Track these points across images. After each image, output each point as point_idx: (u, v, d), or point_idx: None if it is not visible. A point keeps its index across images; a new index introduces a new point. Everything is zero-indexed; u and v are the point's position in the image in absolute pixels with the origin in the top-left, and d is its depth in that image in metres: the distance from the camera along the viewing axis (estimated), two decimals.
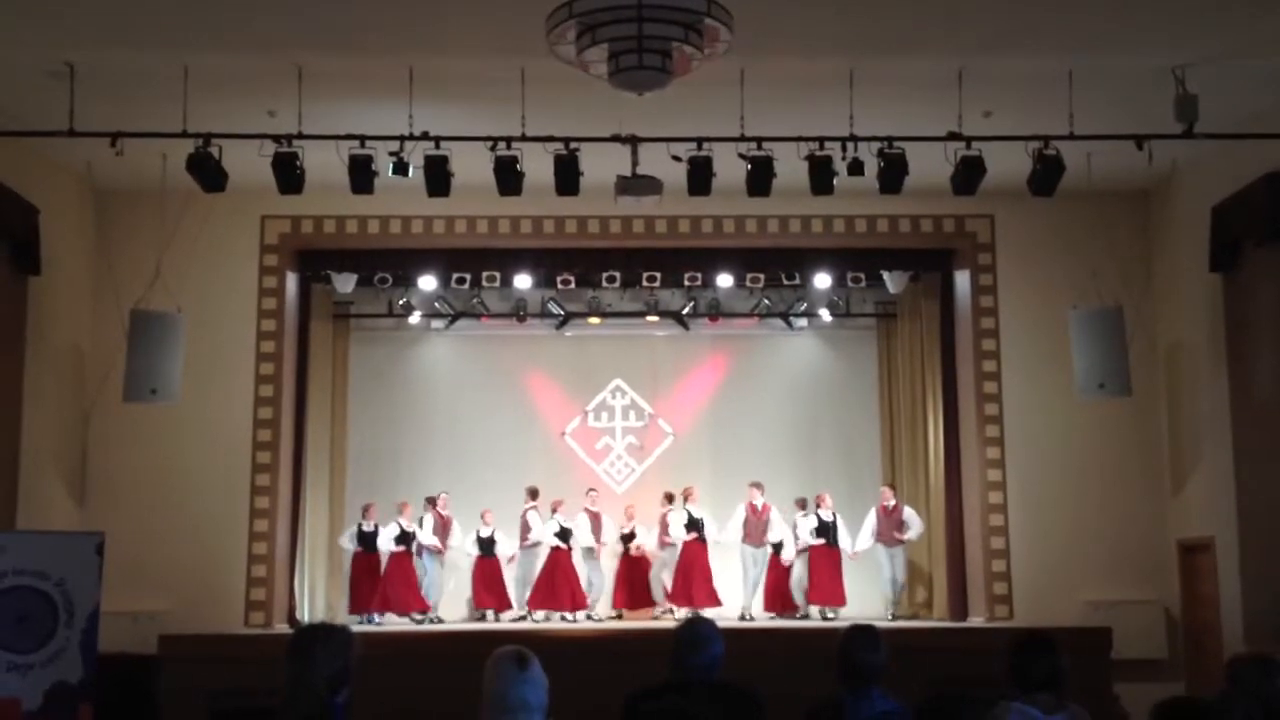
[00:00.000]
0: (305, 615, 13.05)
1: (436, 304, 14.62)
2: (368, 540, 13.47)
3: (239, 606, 12.12)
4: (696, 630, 4.54)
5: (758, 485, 13.74)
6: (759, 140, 9.91)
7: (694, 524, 13.61)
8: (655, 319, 14.93)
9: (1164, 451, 12.59)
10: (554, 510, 13.74)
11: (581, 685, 5.48)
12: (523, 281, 13.82)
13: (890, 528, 13.58)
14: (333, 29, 8.99)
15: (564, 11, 7.72)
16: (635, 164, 10.18)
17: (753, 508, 13.69)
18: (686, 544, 13.55)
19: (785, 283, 14.37)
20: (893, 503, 13.72)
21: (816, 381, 15.19)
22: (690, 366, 15.30)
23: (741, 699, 4.33)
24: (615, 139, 9.99)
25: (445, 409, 14.88)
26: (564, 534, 13.61)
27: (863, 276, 14.05)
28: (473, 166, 10.01)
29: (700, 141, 9.97)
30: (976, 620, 12.58)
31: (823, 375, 15.23)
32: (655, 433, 15.18)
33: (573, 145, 9.90)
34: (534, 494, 13.89)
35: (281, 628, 12.05)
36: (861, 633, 4.55)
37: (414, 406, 14.85)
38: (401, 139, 9.83)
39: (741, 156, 9.97)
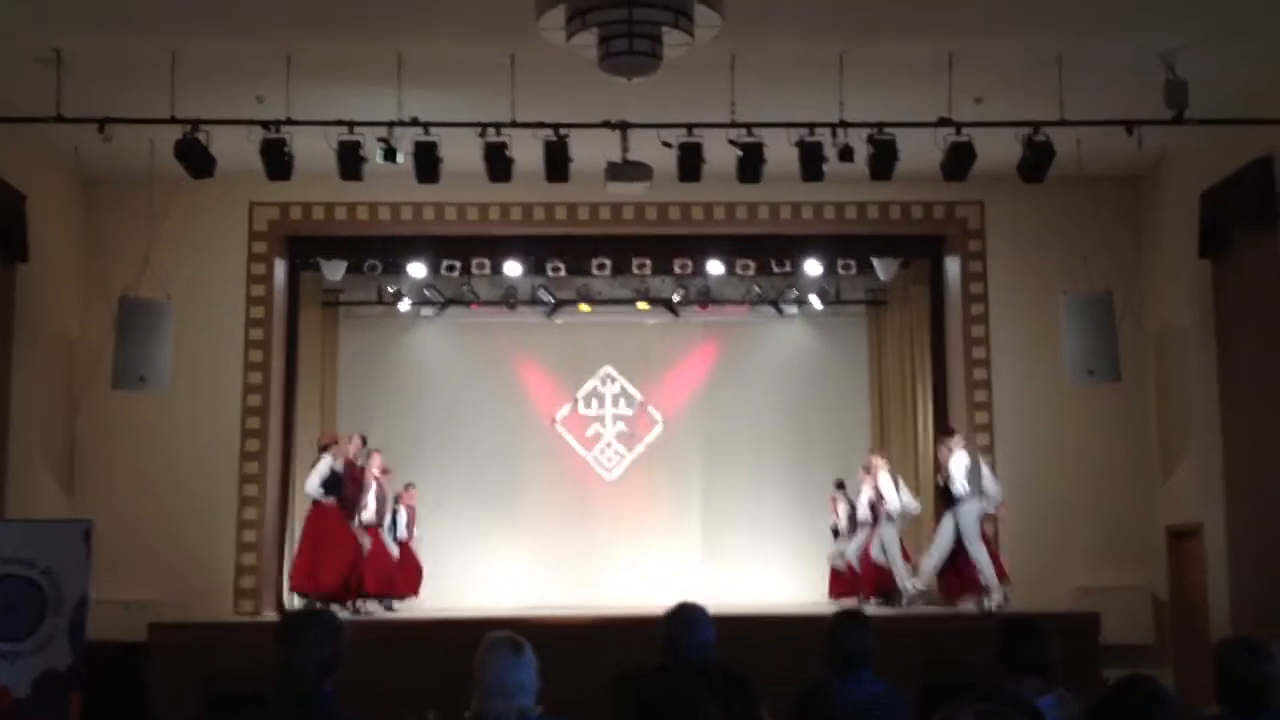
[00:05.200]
0: (293, 602, 13.01)
1: (426, 291, 14.61)
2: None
3: (228, 594, 12.11)
4: (687, 614, 4.55)
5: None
6: (749, 126, 9.88)
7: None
8: (646, 306, 14.91)
9: (1153, 437, 12.61)
10: None
11: (568, 669, 5.47)
12: (513, 268, 13.79)
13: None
14: (321, 14, 8.94)
15: None
16: (625, 150, 10.15)
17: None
18: None
19: (776, 270, 14.37)
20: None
21: (807, 368, 15.20)
22: (681, 354, 15.30)
23: (733, 682, 4.34)
24: (605, 125, 9.97)
25: (435, 396, 14.86)
26: None
27: (853, 263, 14.06)
28: (462, 153, 9.96)
29: (690, 127, 9.93)
30: (966, 605, 12.58)
31: (813, 362, 15.24)
32: (645, 420, 15.18)
33: (562, 131, 9.87)
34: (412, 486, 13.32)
35: (270, 615, 12.03)
36: (849, 618, 4.58)
37: (404, 394, 14.84)
38: (390, 125, 9.80)
39: (732, 143, 9.93)
